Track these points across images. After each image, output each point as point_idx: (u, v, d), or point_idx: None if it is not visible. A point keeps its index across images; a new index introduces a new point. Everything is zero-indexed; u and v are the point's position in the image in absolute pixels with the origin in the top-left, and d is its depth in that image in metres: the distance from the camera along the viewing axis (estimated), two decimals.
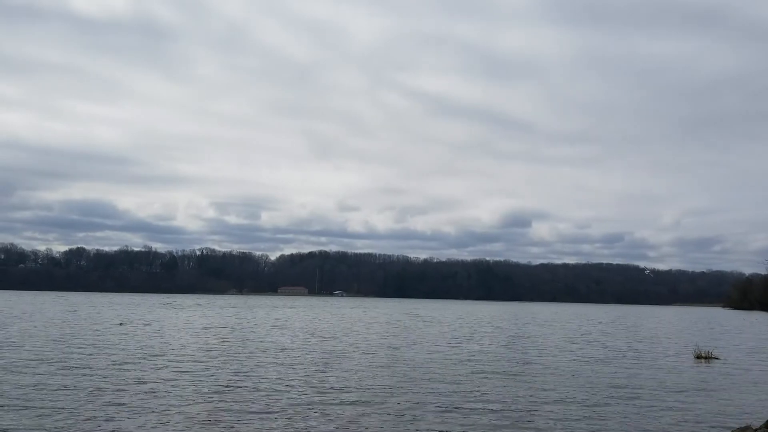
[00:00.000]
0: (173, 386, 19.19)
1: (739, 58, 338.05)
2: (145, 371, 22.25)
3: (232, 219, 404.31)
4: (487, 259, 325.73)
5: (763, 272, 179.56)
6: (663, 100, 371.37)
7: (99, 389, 18.29)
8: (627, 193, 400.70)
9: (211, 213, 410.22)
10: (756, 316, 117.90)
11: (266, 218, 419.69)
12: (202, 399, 17.26)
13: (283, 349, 31.48)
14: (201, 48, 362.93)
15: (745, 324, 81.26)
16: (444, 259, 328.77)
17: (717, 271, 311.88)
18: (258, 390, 18.96)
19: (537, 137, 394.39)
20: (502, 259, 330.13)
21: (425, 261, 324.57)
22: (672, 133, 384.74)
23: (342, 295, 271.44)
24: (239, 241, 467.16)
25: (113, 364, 23.76)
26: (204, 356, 27.46)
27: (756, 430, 13.15)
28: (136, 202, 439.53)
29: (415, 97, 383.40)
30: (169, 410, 15.66)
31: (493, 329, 54.41)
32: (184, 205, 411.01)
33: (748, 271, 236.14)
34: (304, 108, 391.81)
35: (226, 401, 17.02)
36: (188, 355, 27.57)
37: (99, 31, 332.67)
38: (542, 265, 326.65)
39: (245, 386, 19.55)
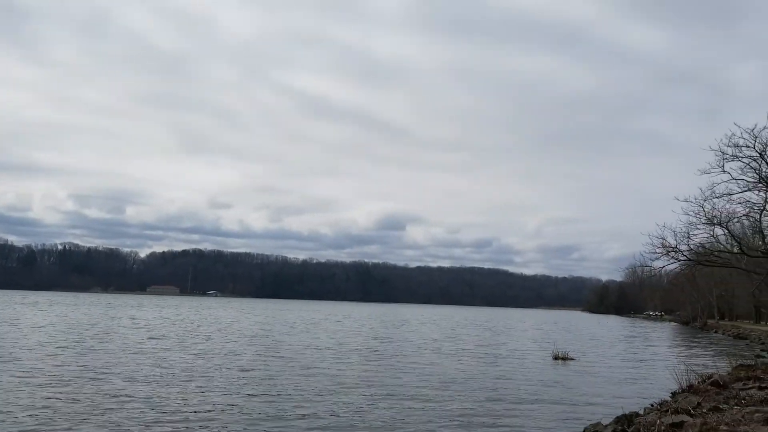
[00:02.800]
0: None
1: (596, 78, 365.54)
2: None
3: (94, 213, 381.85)
4: (366, 260, 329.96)
5: (617, 279, 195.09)
6: (529, 113, 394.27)
7: None
8: (495, 201, 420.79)
9: (70, 205, 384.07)
10: (610, 320, 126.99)
11: (132, 213, 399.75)
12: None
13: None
14: (59, 30, 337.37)
15: (600, 327, 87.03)
16: (323, 260, 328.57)
17: (578, 277, 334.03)
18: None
19: (411, 142, 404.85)
20: (380, 261, 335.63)
21: (304, 262, 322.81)
22: (537, 146, 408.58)
23: (216, 295, 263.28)
24: (102, 236, 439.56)
25: None
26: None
27: (606, 426, 13.52)
28: None
29: (290, 95, 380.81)
30: None
31: (366, 332, 54.41)
32: (41, 196, 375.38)
33: (604, 277, 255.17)
34: (174, 99, 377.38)
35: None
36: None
37: None
38: (418, 267, 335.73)
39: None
